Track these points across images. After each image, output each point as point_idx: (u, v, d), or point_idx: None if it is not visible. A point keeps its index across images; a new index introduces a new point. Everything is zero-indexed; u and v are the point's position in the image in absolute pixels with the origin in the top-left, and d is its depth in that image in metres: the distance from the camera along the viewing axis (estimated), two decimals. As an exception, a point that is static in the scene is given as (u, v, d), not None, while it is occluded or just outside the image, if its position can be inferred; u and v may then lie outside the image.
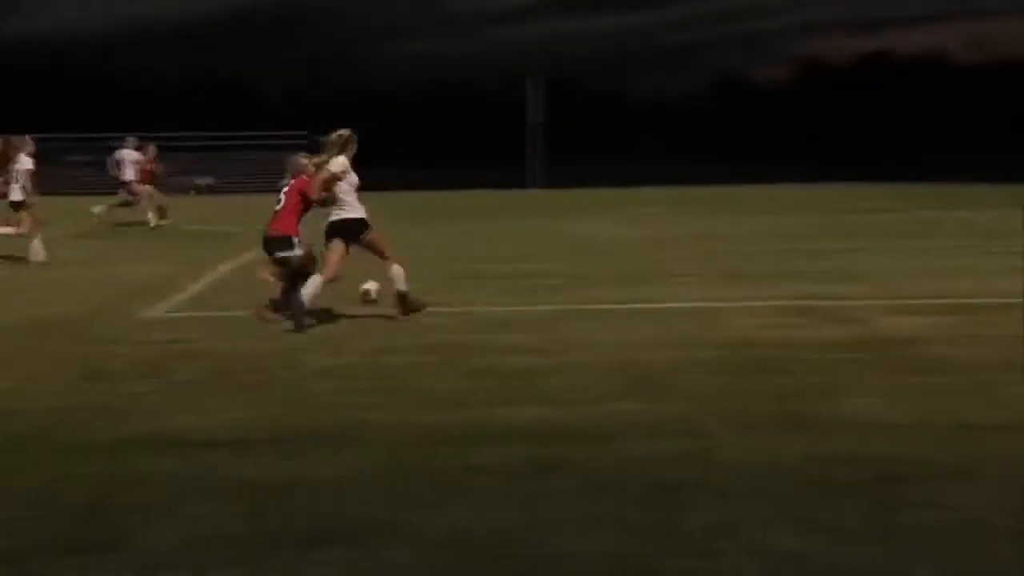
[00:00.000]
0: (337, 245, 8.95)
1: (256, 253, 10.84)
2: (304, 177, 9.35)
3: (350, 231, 8.98)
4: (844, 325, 8.59)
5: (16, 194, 15.50)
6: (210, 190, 40.39)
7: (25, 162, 15.61)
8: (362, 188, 9.04)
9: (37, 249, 14.96)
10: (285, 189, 9.52)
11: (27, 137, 16.00)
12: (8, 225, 15.55)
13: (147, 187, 21.57)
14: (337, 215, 8.99)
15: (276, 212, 9.48)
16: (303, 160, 9.58)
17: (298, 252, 9.32)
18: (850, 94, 71.58)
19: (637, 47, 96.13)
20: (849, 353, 7.40)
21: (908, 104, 68.01)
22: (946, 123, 62.99)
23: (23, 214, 15.42)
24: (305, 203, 9.30)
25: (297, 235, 9.38)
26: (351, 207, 8.99)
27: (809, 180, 40.78)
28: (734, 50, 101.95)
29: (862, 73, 77.14)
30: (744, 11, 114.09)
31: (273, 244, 9.42)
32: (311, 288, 8.72)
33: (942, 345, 7.63)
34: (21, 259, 14.82)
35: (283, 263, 9.39)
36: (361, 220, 9.01)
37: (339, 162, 8.98)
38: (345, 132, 9.13)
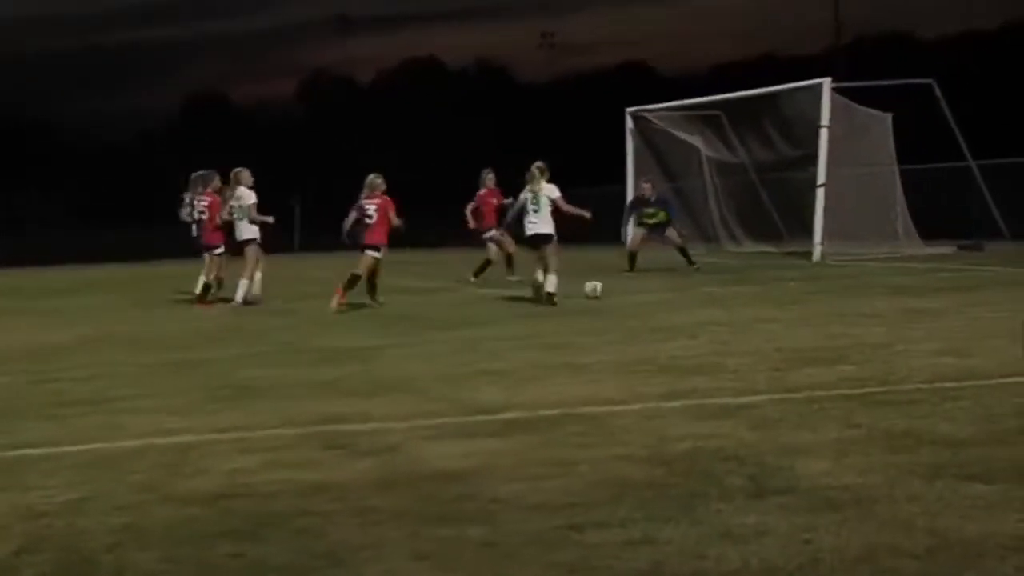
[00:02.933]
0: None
1: None
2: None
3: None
4: (372, 458, 8.92)
5: (247, 232, 22.96)
6: None
7: (247, 196, 22.94)
8: None
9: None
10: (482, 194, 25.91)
11: (246, 170, 23.16)
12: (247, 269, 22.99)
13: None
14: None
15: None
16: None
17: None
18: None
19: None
20: (378, 499, 7.69)
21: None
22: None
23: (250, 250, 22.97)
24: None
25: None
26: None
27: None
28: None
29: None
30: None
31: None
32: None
33: (503, 480, 8.11)
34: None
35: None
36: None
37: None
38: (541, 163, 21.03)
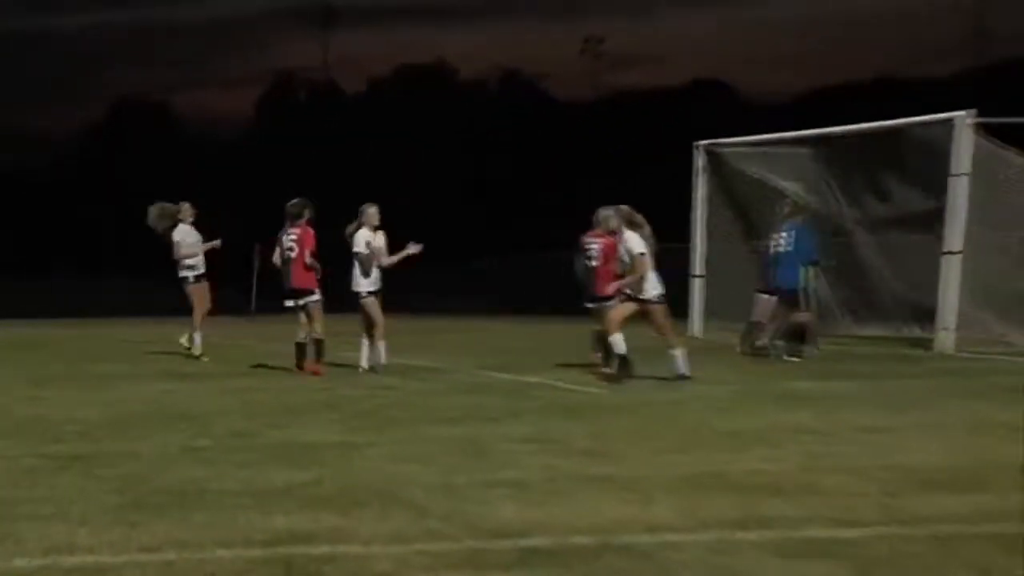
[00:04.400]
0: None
1: None
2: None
3: None
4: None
5: (368, 283, 25.64)
6: None
7: (376, 237, 25.60)
8: None
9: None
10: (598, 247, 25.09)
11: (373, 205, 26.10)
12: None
13: None
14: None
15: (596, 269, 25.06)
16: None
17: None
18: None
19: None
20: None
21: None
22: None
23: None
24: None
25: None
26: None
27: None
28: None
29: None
30: None
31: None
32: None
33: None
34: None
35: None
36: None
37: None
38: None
